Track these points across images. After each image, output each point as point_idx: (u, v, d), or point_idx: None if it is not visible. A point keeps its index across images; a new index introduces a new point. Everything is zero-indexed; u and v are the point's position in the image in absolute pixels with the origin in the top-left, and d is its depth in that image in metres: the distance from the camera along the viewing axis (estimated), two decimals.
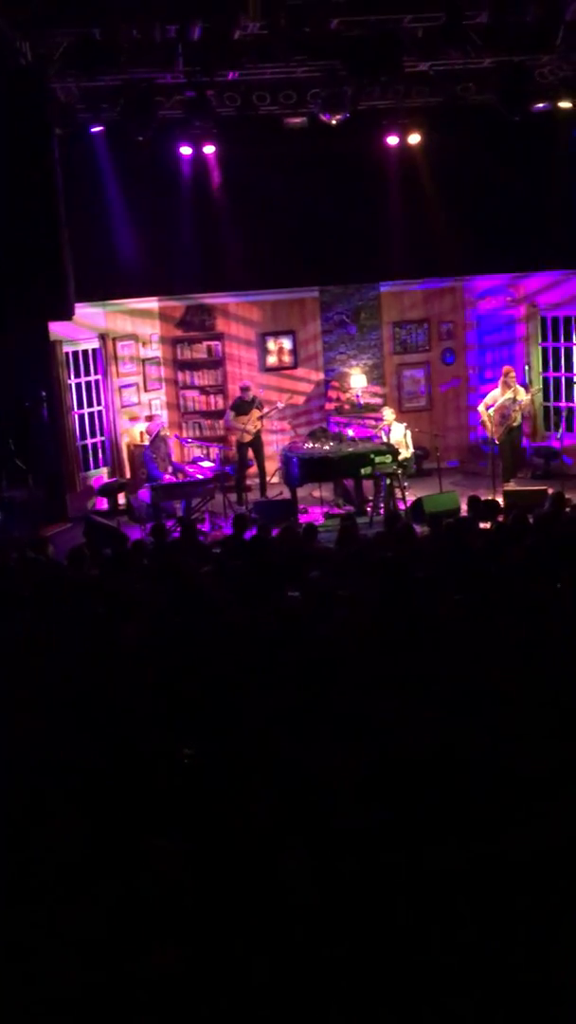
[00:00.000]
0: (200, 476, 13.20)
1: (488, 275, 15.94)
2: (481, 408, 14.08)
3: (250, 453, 14.58)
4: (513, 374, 14.12)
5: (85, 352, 14.86)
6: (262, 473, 14.66)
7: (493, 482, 13.14)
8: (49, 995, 3.35)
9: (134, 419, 15.25)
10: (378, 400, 15.55)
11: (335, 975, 3.41)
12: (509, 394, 13.82)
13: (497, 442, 13.88)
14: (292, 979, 3.37)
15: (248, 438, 14.45)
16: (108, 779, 4.60)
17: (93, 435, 15.08)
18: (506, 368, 14.38)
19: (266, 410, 14.57)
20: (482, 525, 10.07)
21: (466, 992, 3.37)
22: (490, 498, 11.41)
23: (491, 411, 13.87)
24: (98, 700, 5.66)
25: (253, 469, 14.76)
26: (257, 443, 14.59)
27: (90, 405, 15.00)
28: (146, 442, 14.42)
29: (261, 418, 14.49)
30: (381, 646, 6.24)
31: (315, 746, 4.78)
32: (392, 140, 13.93)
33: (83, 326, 14.47)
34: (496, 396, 13.94)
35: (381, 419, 14.18)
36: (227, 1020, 3.29)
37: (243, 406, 14.41)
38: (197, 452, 15.15)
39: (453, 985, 3.39)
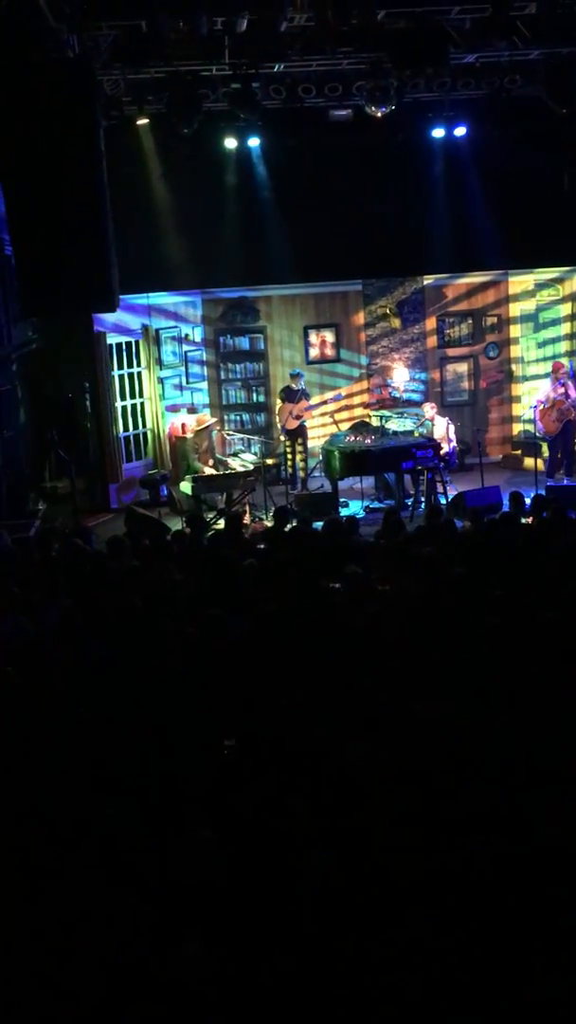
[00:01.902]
0: (241, 468, 13.22)
1: (533, 269, 15.80)
2: (535, 404, 13.94)
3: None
4: (564, 369, 14.00)
5: (128, 344, 14.92)
6: (304, 464, 14.70)
7: (535, 477, 13.04)
8: (78, 980, 3.38)
9: (176, 411, 15.30)
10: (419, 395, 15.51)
11: (355, 971, 3.40)
12: (562, 389, 13.68)
13: (550, 438, 13.76)
14: (311, 974, 3.37)
15: (294, 425, 14.46)
16: (145, 770, 4.62)
17: (135, 427, 15.14)
18: (555, 363, 14.25)
19: (313, 401, 14.57)
20: (525, 520, 10.00)
21: (483, 990, 3.36)
22: (534, 493, 11.32)
23: (544, 407, 13.74)
24: (135, 691, 5.69)
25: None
26: (302, 433, 14.61)
27: (132, 397, 15.06)
28: (189, 433, 14.50)
29: (308, 409, 14.50)
30: (417, 642, 6.22)
31: (346, 740, 4.77)
32: (438, 132, 13.83)
33: (126, 318, 14.53)
34: (550, 393, 13.80)
35: (423, 413, 14.12)
36: (249, 1011, 3.30)
37: (291, 393, 14.44)
38: (239, 444, 15.18)
39: (471, 982, 3.38)
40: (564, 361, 14.76)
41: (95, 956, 3.46)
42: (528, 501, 10.50)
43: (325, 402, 14.76)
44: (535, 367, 15.98)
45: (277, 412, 14.69)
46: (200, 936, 3.44)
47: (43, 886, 3.86)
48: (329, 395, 15.01)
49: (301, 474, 14.71)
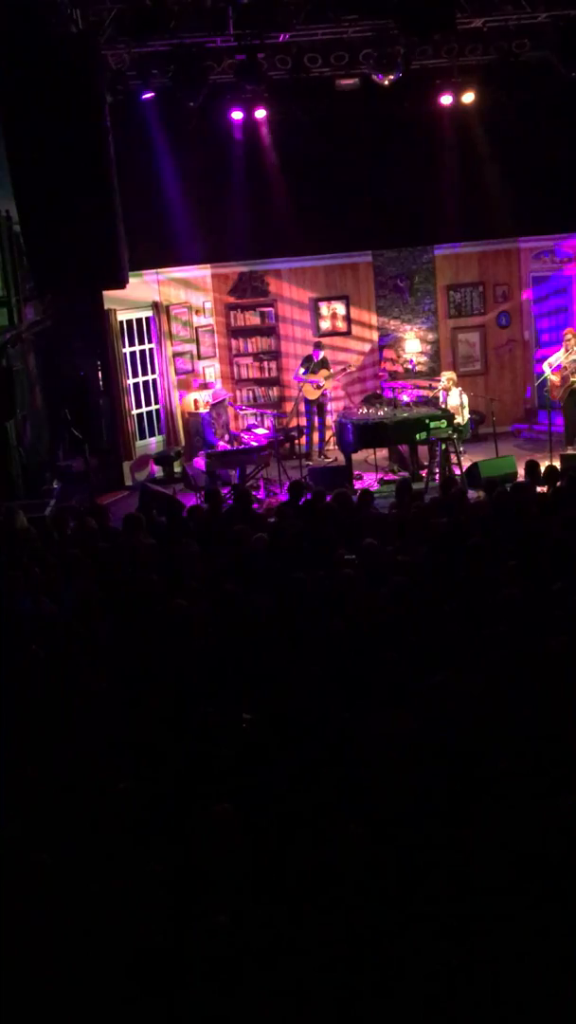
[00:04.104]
0: (255, 443, 13.21)
1: (544, 236, 15.66)
2: (545, 367, 13.88)
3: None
4: (573, 337, 13.90)
5: (139, 321, 14.90)
6: (322, 435, 14.73)
7: (550, 446, 12.99)
8: (110, 955, 3.43)
9: (188, 387, 15.30)
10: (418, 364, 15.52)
11: (378, 942, 3.44)
12: (574, 356, 13.59)
13: (561, 404, 13.69)
14: (338, 943, 3.40)
15: (314, 395, 14.47)
16: (164, 745, 4.65)
17: (148, 404, 15.15)
18: (567, 330, 14.16)
19: (334, 370, 14.59)
20: (540, 489, 9.98)
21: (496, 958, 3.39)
22: (548, 462, 11.28)
23: (552, 373, 13.67)
24: (153, 666, 5.71)
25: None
26: (323, 403, 14.64)
27: (144, 374, 15.05)
28: (203, 409, 14.49)
29: (328, 378, 14.50)
30: (434, 612, 6.23)
31: (365, 712, 4.79)
32: (446, 99, 13.69)
33: (136, 295, 14.50)
34: (560, 358, 13.73)
35: (437, 384, 14.07)
36: (276, 979, 3.34)
37: (312, 363, 14.45)
38: (251, 419, 15.17)
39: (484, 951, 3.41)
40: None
41: (120, 928, 3.50)
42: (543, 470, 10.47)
43: (343, 370, 14.75)
44: (547, 335, 15.87)
45: (300, 382, 14.62)
46: (228, 908, 3.47)
47: (65, 862, 3.90)
48: (352, 368, 15.00)
49: (316, 448, 14.73)
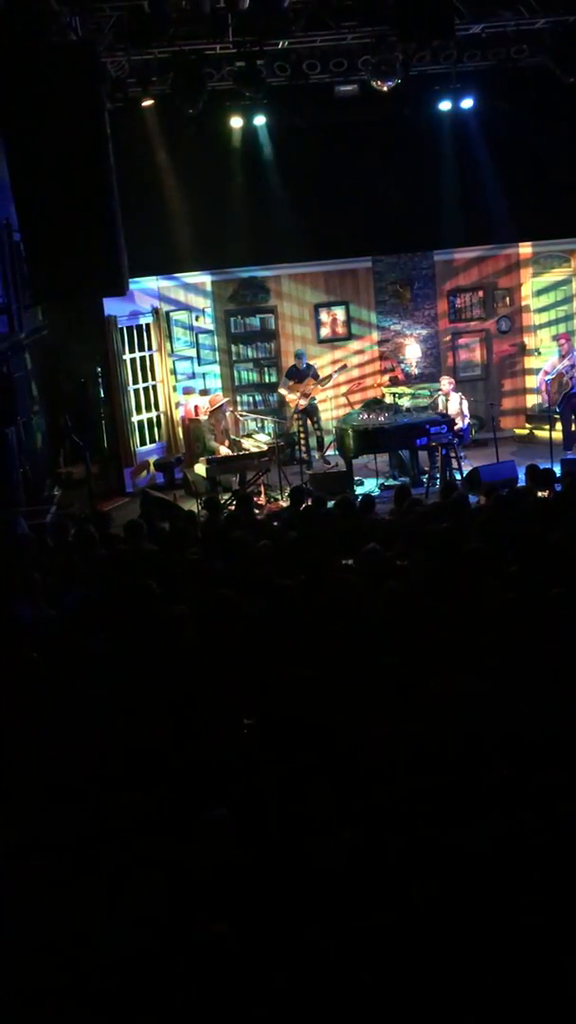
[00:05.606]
0: (255, 449, 13.22)
1: (543, 240, 15.70)
2: (540, 375, 13.94)
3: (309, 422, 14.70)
4: (566, 342, 13.97)
5: (139, 327, 14.92)
6: (320, 442, 14.73)
7: (551, 451, 12.99)
8: (108, 962, 3.43)
9: (188, 393, 15.31)
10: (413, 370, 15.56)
11: (375, 947, 3.43)
12: (567, 362, 13.66)
13: (558, 410, 13.74)
14: (333, 951, 3.40)
15: (303, 404, 14.48)
16: (163, 751, 4.65)
17: (148, 410, 15.16)
18: (561, 335, 14.22)
19: (323, 376, 14.59)
20: (540, 494, 9.98)
21: (492, 965, 3.39)
22: (548, 467, 11.28)
23: (549, 379, 13.73)
24: (153, 673, 5.72)
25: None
26: (313, 411, 14.64)
27: (144, 380, 15.07)
28: (203, 415, 14.51)
29: (317, 385, 14.49)
30: (434, 617, 6.23)
31: (362, 717, 4.79)
32: (444, 106, 13.73)
33: (136, 302, 14.52)
34: (554, 363, 13.80)
35: (437, 389, 14.09)
36: (273, 987, 3.33)
37: (298, 372, 14.45)
38: (252, 425, 15.18)
39: (484, 957, 3.41)
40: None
41: (118, 935, 3.50)
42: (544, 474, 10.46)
43: (331, 376, 14.75)
44: (548, 339, 15.89)
45: (287, 392, 14.67)
46: (226, 916, 3.47)
47: (63, 869, 3.90)
48: (337, 368, 14.99)
49: (316, 453, 14.72)
